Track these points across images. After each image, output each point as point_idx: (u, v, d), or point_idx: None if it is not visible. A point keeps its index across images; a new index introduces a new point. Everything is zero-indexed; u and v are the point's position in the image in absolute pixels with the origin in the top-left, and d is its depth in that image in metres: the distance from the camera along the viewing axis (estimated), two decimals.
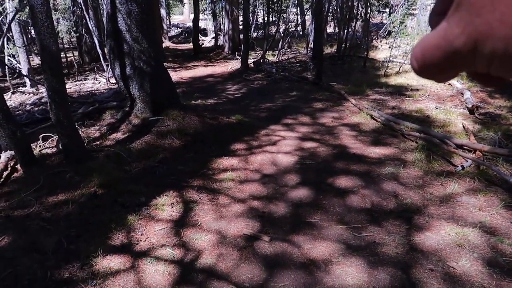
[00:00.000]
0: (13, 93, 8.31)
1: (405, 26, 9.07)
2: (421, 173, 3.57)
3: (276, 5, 13.33)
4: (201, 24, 19.40)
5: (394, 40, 8.61)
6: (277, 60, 11.11)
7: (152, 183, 3.57)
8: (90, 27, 9.36)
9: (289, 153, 4.23)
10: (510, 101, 5.53)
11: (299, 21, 16.36)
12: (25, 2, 6.44)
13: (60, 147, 4.12)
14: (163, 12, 18.77)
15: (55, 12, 9.35)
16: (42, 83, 5.70)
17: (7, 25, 7.69)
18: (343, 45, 10.73)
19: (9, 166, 3.88)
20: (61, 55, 5.13)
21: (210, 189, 3.45)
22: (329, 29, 16.56)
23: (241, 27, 12.23)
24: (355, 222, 2.85)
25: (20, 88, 8.83)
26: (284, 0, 13.39)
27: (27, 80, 8.75)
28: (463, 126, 4.64)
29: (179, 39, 21.14)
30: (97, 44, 9.12)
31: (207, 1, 19.21)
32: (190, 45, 15.62)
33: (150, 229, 2.84)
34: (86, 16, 9.21)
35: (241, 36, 11.70)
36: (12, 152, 3.90)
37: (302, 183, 3.51)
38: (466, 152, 3.82)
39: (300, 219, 2.92)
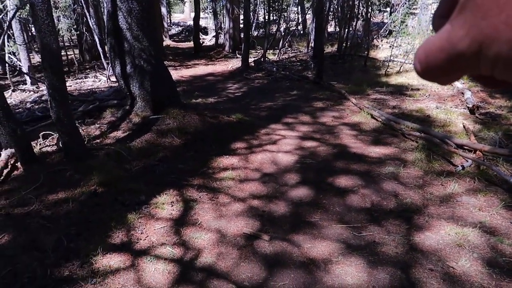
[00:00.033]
0: (13, 91, 8.31)
1: (406, 25, 9.06)
2: (421, 173, 3.57)
3: (277, 4, 13.32)
4: (202, 23, 19.37)
5: (395, 40, 8.60)
6: (277, 59, 11.10)
7: (152, 181, 3.57)
8: (91, 25, 9.35)
9: (289, 152, 4.23)
10: (511, 101, 5.53)
11: (300, 20, 16.34)
12: (25, 0, 6.43)
13: (60, 145, 4.12)
14: (163, 10, 18.76)
15: (55, 10, 9.34)
16: (43, 81, 5.69)
17: (7, 23, 7.68)
18: (344, 44, 10.72)
19: (9, 164, 3.88)
20: (62, 53, 5.13)
21: (210, 188, 3.45)
22: (330, 28, 16.54)
23: (241, 25, 12.21)
24: (355, 222, 2.85)
25: (21, 86, 8.83)
26: None
27: (27, 78, 8.75)
28: (464, 126, 4.64)
29: (179, 37, 21.13)
30: (97, 42, 9.11)
31: (208, 0, 19.19)
32: (190, 44, 15.60)
33: (150, 228, 2.84)
34: (87, 14, 9.20)
35: (242, 35, 11.69)
36: (13, 150, 3.90)
37: (302, 182, 3.51)
38: (467, 152, 3.82)
39: (300, 219, 2.92)
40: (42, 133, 4.48)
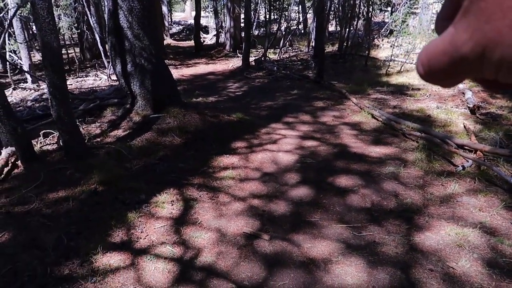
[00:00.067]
0: (14, 89, 8.31)
1: (407, 25, 9.05)
2: (421, 173, 3.57)
3: (277, 3, 13.29)
4: (203, 22, 19.36)
5: (396, 39, 8.58)
6: (278, 58, 11.10)
7: (153, 180, 3.57)
8: (92, 23, 9.35)
9: (290, 151, 4.22)
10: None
11: (301, 19, 16.33)
12: None
13: (61, 143, 4.12)
14: (164, 9, 18.74)
15: (56, 8, 9.33)
16: (43, 79, 5.69)
17: (8, 21, 7.68)
18: (345, 44, 10.70)
19: (9, 162, 3.89)
20: (62, 52, 5.12)
21: (211, 187, 3.45)
22: (331, 28, 16.53)
23: (242, 24, 12.20)
24: (355, 222, 2.85)
25: (21, 84, 8.83)
26: None
27: (28, 76, 8.75)
28: (464, 126, 4.63)
29: (180, 36, 21.13)
30: (98, 41, 9.11)
31: None
32: (191, 43, 15.61)
33: (150, 227, 2.84)
34: (88, 12, 9.20)
35: (243, 34, 11.68)
36: (13, 148, 3.90)
37: (302, 182, 3.51)
38: (467, 152, 3.81)
39: (300, 218, 2.92)
40: (42, 132, 4.48)
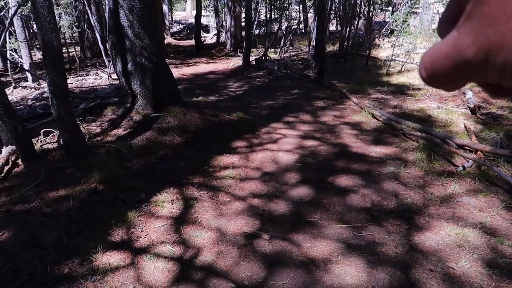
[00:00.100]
0: (14, 87, 8.31)
1: (408, 24, 9.04)
2: (422, 173, 3.56)
3: (278, 2, 13.29)
4: (203, 21, 19.35)
5: (397, 39, 8.57)
6: (279, 58, 11.09)
7: (153, 179, 3.57)
8: (92, 22, 9.35)
9: (290, 151, 4.22)
10: None
11: (302, 18, 16.32)
12: None
13: (61, 142, 4.12)
14: (165, 8, 18.73)
15: (57, 7, 9.33)
16: (44, 78, 5.69)
17: (9, 20, 7.68)
18: (345, 43, 10.70)
19: (10, 161, 3.89)
20: (63, 50, 5.12)
21: (211, 187, 3.45)
22: (332, 27, 16.52)
23: (243, 24, 12.19)
24: (355, 222, 2.85)
25: (22, 82, 8.84)
26: None
27: (28, 74, 8.75)
28: (465, 126, 4.63)
29: (181, 35, 21.12)
30: (99, 40, 9.11)
31: None
32: (192, 42, 15.60)
33: (150, 226, 2.84)
34: (88, 11, 9.19)
35: (243, 33, 11.67)
36: (13, 147, 3.91)
37: (302, 182, 3.51)
38: (467, 152, 3.81)
39: (300, 218, 2.92)
40: (43, 130, 4.48)
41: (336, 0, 11.89)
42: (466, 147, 3.91)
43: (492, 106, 5.42)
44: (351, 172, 3.66)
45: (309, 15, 16.28)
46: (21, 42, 8.54)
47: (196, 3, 14.08)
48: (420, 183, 3.39)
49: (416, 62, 8.71)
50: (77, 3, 10.20)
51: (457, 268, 2.31)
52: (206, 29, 20.40)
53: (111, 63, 6.81)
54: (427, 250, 2.50)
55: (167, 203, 3.15)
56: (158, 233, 2.76)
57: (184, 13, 32.18)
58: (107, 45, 5.83)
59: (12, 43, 8.58)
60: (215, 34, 16.59)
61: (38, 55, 12.27)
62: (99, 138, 4.51)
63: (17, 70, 9.87)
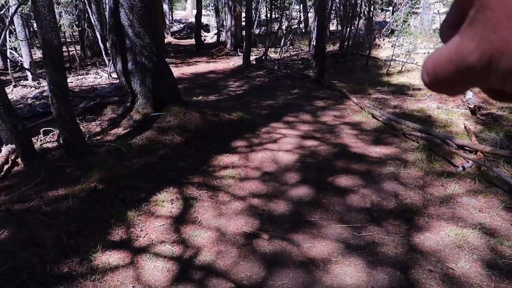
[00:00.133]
0: (14, 86, 8.31)
1: (408, 24, 9.03)
2: (421, 173, 3.56)
3: (279, 1, 13.28)
4: (204, 20, 19.34)
5: (397, 39, 8.57)
6: (279, 57, 11.08)
7: (153, 179, 3.57)
8: (93, 21, 9.34)
9: (290, 151, 4.22)
10: None
11: (302, 18, 16.31)
12: None
13: (61, 141, 4.12)
14: (165, 7, 18.72)
15: (57, 6, 9.33)
16: (44, 77, 5.69)
17: (9, 18, 7.67)
18: (346, 43, 10.69)
19: (9, 159, 3.89)
20: (63, 49, 5.11)
21: (210, 186, 3.45)
22: (332, 27, 16.51)
23: (243, 23, 12.19)
24: (355, 222, 2.85)
25: (22, 81, 8.83)
26: None
27: (28, 73, 8.74)
28: (465, 126, 4.63)
29: (181, 34, 21.11)
30: (99, 39, 9.10)
31: None
32: (192, 41, 15.59)
33: (149, 225, 2.84)
34: (89, 10, 9.19)
35: (244, 33, 11.66)
36: (13, 146, 3.90)
37: (302, 182, 3.51)
38: (467, 153, 3.81)
39: (299, 218, 2.92)
40: (43, 129, 4.48)
41: (337, 0, 11.89)
42: (466, 148, 3.90)
43: (492, 106, 5.42)
44: (351, 172, 3.66)
45: (309, 14, 16.26)
46: (21, 40, 8.54)
47: (196, 2, 14.07)
48: (420, 183, 3.39)
49: (417, 62, 8.71)
50: (78, 2, 10.19)
51: (456, 268, 2.31)
52: (207, 28, 20.39)
53: (111, 62, 6.80)
54: (426, 251, 2.50)
55: (166, 202, 3.15)
56: (157, 233, 2.76)
57: (185, 12, 32.17)
58: (107, 44, 5.83)
59: (12, 42, 8.57)
60: (215, 34, 16.59)
61: (38, 54, 12.27)
62: (99, 137, 4.51)
63: (17, 68, 9.87)
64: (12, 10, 7.42)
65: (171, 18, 23.13)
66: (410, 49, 8.43)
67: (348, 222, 2.85)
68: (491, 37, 0.19)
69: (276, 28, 13.79)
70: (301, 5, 16.76)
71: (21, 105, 6.72)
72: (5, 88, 4.81)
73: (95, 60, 11.25)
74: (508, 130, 4.46)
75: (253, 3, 11.69)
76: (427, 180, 3.44)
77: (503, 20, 0.18)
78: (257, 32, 15.75)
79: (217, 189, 3.40)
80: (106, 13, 4.86)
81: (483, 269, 2.31)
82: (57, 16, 6.12)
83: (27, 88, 8.32)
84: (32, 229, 2.79)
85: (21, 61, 9.00)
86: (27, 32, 9.35)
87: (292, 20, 14.62)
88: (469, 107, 5.20)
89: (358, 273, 2.32)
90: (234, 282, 2.27)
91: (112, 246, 2.59)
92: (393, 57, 8.47)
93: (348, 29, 10.64)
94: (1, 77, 8.95)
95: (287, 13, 13.78)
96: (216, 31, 16.40)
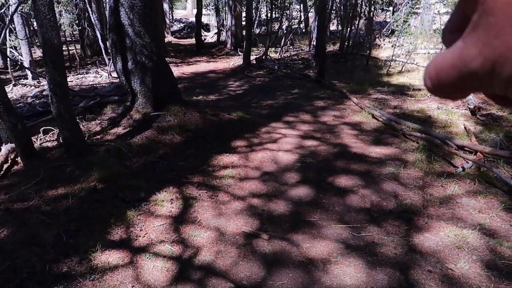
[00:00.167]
0: (14, 85, 8.30)
1: (409, 25, 9.03)
2: (421, 174, 3.56)
3: (279, 1, 13.28)
4: (204, 20, 19.33)
5: (397, 39, 8.56)
6: (279, 57, 11.08)
7: (153, 178, 3.57)
8: (93, 20, 9.33)
9: (290, 151, 4.22)
10: None
11: (302, 18, 16.30)
12: None
13: (61, 140, 4.12)
14: (165, 6, 18.71)
15: (57, 5, 9.32)
16: (44, 76, 5.68)
17: (9, 17, 7.66)
18: (346, 43, 10.69)
19: (9, 158, 3.88)
20: (63, 48, 5.11)
21: (210, 186, 3.45)
22: (332, 27, 16.51)
23: (244, 23, 12.18)
24: (355, 222, 2.85)
25: (22, 80, 8.83)
26: None
27: (28, 72, 8.74)
28: (465, 127, 4.63)
29: (181, 34, 21.10)
30: (99, 38, 9.10)
31: None
32: (192, 40, 15.58)
33: (149, 225, 2.84)
34: (89, 9, 9.18)
35: (244, 32, 11.66)
36: (13, 145, 3.90)
37: (302, 182, 3.51)
38: (467, 153, 3.81)
39: (299, 218, 2.92)
40: (42, 128, 4.47)
41: (337, 0, 11.88)
42: (466, 148, 3.91)
43: (492, 107, 5.42)
44: (350, 172, 3.66)
45: (310, 14, 16.26)
46: (21, 39, 8.53)
47: (197, 2, 14.07)
48: (420, 184, 3.39)
49: (417, 63, 8.71)
50: (78, 0, 10.19)
51: (456, 269, 2.31)
52: (207, 28, 20.38)
53: (111, 61, 6.80)
54: (426, 251, 2.50)
55: (166, 202, 3.15)
56: (157, 232, 2.75)
57: (185, 12, 32.16)
58: (108, 43, 5.83)
59: (12, 41, 8.56)
60: (215, 33, 16.58)
61: (38, 53, 12.25)
62: (98, 137, 4.51)
63: (17, 67, 9.86)
64: (12, 8, 7.42)
65: (171, 18, 23.12)
66: (410, 49, 8.44)
67: (347, 222, 2.85)
68: (494, 43, 0.19)
69: (276, 28, 13.78)
70: (302, 5, 16.76)
71: (21, 104, 6.72)
72: (5, 87, 4.80)
73: (95, 59, 11.25)
74: (508, 130, 4.46)
75: (253, 2, 11.69)
76: (427, 181, 3.44)
77: (506, 26, 0.18)
78: (257, 32, 15.75)
79: (217, 189, 3.40)
80: (106, 12, 4.86)
81: (483, 270, 2.31)
82: (57, 15, 6.11)
83: (27, 87, 8.32)
84: (32, 228, 2.78)
85: (21, 60, 8.99)
86: (27, 31, 9.35)
87: (293, 20, 14.62)
88: (469, 108, 5.20)
89: (358, 273, 2.32)
90: (233, 282, 2.27)
91: (111, 246, 2.59)
92: (393, 57, 8.47)
93: (349, 29, 10.64)
94: (1, 76, 8.95)
95: (288, 12, 13.77)
96: (216, 30, 16.39)
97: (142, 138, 4.41)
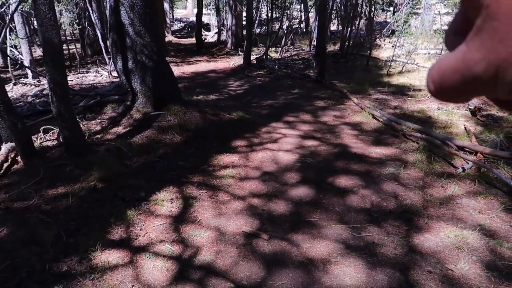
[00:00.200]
0: (14, 84, 8.30)
1: (409, 25, 9.02)
2: (421, 174, 3.56)
3: (280, 1, 13.27)
4: (204, 19, 19.32)
5: (398, 39, 8.56)
6: (279, 57, 11.08)
7: (153, 178, 3.57)
8: (93, 19, 9.33)
9: (290, 151, 4.22)
10: None
11: (303, 18, 16.29)
12: None
13: (61, 139, 4.12)
14: (166, 6, 18.71)
15: (58, 4, 9.31)
16: (44, 75, 5.68)
17: (10, 16, 7.66)
18: (346, 43, 10.68)
19: (9, 157, 3.88)
20: (63, 47, 5.11)
21: (210, 186, 3.45)
22: (333, 27, 16.50)
23: (244, 22, 12.18)
24: (355, 222, 2.85)
25: (22, 79, 8.83)
26: None
27: (29, 71, 8.73)
28: (465, 127, 4.63)
29: (182, 33, 21.08)
30: (99, 37, 9.10)
31: None
32: (193, 40, 15.57)
33: (149, 225, 2.84)
34: (89, 8, 9.18)
35: (244, 32, 11.66)
36: (13, 144, 3.90)
37: (302, 182, 3.51)
38: (467, 154, 3.81)
39: (299, 218, 2.92)
40: (42, 128, 4.47)
41: (338, 0, 11.88)
42: (466, 149, 3.90)
43: (492, 108, 5.41)
44: (351, 172, 3.66)
45: (310, 14, 16.25)
46: (22, 38, 8.52)
47: (197, 1, 14.06)
48: (420, 184, 3.39)
49: (417, 63, 8.71)
50: (78, 0, 10.18)
51: (456, 270, 2.31)
52: (207, 27, 20.37)
53: (111, 60, 6.79)
54: (426, 252, 2.50)
55: (166, 201, 3.15)
56: (157, 232, 2.75)
57: (185, 11, 32.15)
58: (108, 43, 5.83)
59: (13, 40, 8.56)
60: (216, 33, 16.58)
61: (38, 52, 12.25)
62: (99, 136, 4.50)
63: (17, 66, 9.86)
64: (12, 8, 7.41)
65: (171, 17, 23.11)
66: (410, 49, 8.43)
67: (347, 223, 2.85)
68: (498, 48, 0.19)
69: (277, 28, 13.78)
70: (302, 5, 16.75)
71: (21, 103, 6.72)
72: (5, 86, 4.80)
73: (95, 58, 11.25)
74: (508, 131, 4.46)
75: (254, 2, 11.69)
76: (427, 181, 3.44)
77: (510, 30, 0.18)
78: (257, 32, 15.74)
79: (217, 188, 3.40)
80: (107, 11, 4.85)
81: (483, 270, 2.31)
82: (57, 14, 6.11)
83: (27, 86, 8.32)
84: (32, 228, 2.78)
85: (21, 59, 8.99)
86: (27, 30, 9.34)
87: (293, 20, 14.63)
88: (469, 108, 5.20)
89: (358, 273, 2.32)
90: (233, 282, 2.27)
91: (111, 245, 2.59)
92: (394, 58, 8.47)
93: (349, 29, 10.63)
94: (1, 75, 8.95)
95: (288, 12, 13.77)
96: (216, 30, 16.38)
97: (142, 137, 4.41)
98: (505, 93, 0.20)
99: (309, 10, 16.10)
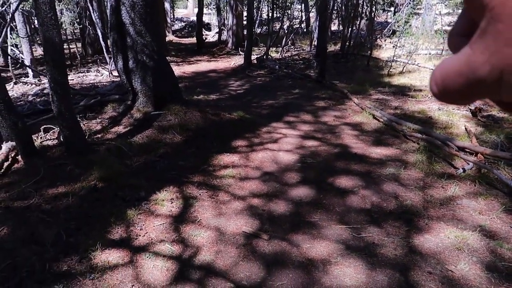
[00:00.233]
0: (15, 83, 8.31)
1: (410, 25, 9.02)
2: (422, 175, 3.56)
3: (280, 1, 13.27)
4: (205, 19, 19.32)
5: (399, 40, 8.55)
6: (280, 57, 11.07)
7: (153, 177, 3.57)
8: (94, 19, 9.33)
9: (290, 151, 4.22)
10: None
11: (304, 18, 16.27)
12: None
13: (61, 139, 4.12)
14: (167, 5, 18.71)
15: (58, 3, 9.31)
16: (45, 74, 5.68)
17: (10, 15, 7.66)
18: (347, 44, 10.68)
19: (10, 157, 3.88)
20: (64, 47, 5.11)
21: (210, 186, 3.45)
22: (333, 27, 16.49)
23: (245, 22, 12.17)
24: (355, 223, 2.85)
25: (23, 78, 8.83)
26: None
27: (29, 70, 8.74)
28: (466, 128, 4.62)
29: (182, 33, 21.08)
30: (100, 36, 9.10)
31: None
32: (193, 40, 15.57)
33: (149, 224, 2.84)
34: (90, 7, 9.18)
35: (245, 32, 11.65)
36: (13, 143, 3.90)
37: (302, 182, 3.50)
38: (468, 154, 3.80)
39: (299, 218, 2.92)
40: (43, 127, 4.48)
41: (338, 0, 11.86)
42: (467, 150, 3.90)
43: (493, 108, 5.41)
44: (351, 173, 3.66)
45: (311, 14, 16.24)
46: (22, 37, 8.53)
47: (198, 1, 14.05)
48: (420, 185, 3.38)
49: (418, 63, 8.70)
50: None
51: (456, 270, 2.31)
52: (208, 27, 20.36)
53: (112, 60, 6.79)
54: (426, 252, 2.49)
55: (166, 201, 3.15)
56: (157, 232, 2.75)
57: (186, 11, 32.15)
58: (109, 42, 5.83)
59: (13, 39, 8.56)
60: (216, 32, 16.57)
61: (39, 51, 12.25)
62: (99, 135, 4.51)
63: (18, 65, 9.86)
64: (13, 7, 7.42)
65: (172, 17, 23.11)
66: (411, 50, 8.42)
67: (348, 223, 2.84)
68: (503, 51, 0.19)
69: (277, 28, 13.77)
70: (303, 5, 16.73)
71: (21, 102, 6.72)
72: (6, 85, 4.80)
73: (96, 58, 11.25)
74: (509, 132, 4.45)
75: (254, 2, 11.68)
76: (427, 182, 3.43)
77: None
78: (258, 31, 15.73)
79: (217, 188, 3.40)
80: (108, 11, 4.86)
81: (483, 271, 2.30)
82: (58, 14, 6.11)
83: (27, 85, 8.32)
84: (32, 227, 2.78)
85: (22, 58, 9.00)
86: (28, 29, 9.35)
87: (294, 20, 14.61)
88: (470, 109, 5.19)
89: (358, 274, 2.31)
90: (233, 282, 2.27)
91: (111, 245, 2.59)
92: (395, 58, 8.46)
93: (350, 29, 10.62)
94: (2, 74, 8.95)
95: (289, 12, 13.77)
96: (217, 30, 16.38)
97: (142, 137, 4.41)
98: (509, 96, 0.20)
99: (310, 10, 16.09)
